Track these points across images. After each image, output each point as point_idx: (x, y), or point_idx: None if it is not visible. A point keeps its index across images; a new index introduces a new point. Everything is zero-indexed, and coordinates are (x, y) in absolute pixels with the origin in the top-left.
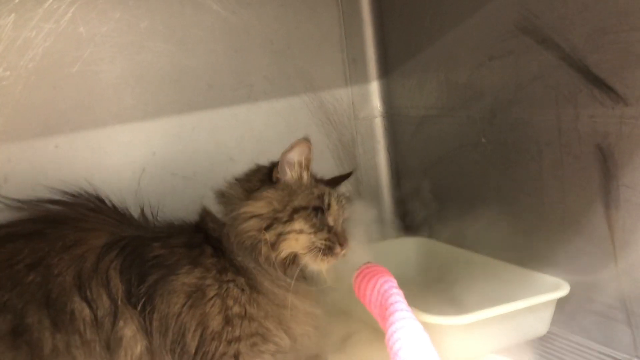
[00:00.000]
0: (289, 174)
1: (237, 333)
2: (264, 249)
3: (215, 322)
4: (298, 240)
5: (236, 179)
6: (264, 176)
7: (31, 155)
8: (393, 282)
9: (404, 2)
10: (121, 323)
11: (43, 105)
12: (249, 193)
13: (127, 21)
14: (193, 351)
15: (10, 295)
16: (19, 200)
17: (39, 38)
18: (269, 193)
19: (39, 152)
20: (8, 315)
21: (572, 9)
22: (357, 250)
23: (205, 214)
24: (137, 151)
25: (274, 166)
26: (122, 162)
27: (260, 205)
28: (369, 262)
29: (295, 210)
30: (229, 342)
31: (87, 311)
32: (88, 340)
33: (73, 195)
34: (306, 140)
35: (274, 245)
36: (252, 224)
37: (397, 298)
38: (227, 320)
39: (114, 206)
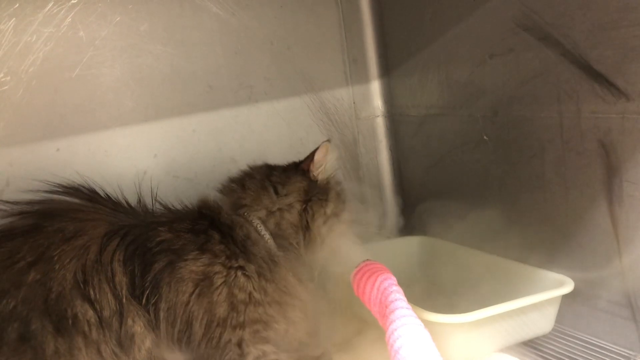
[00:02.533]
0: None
1: (241, 319)
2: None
3: (222, 309)
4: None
5: (284, 182)
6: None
7: (33, 159)
8: (393, 280)
9: (404, 1)
10: (130, 321)
11: (44, 109)
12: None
13: (127, 24)
14: (199, 338)
15: (16, 301)
16: (15, 203)
17: (39, 42)
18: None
19: (41, 156)
20: (15, 323)
21: (571, 6)
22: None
23: (216, 206)
24: (138, 154)
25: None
26: (123, 164)
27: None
28: (368, 260)
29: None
30: (234, 328)
31: (90, 313)
32: (94, 340)
33: (66, 188)
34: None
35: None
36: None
37: (398, 296)
38: (232, 307)
39: (108, 196)
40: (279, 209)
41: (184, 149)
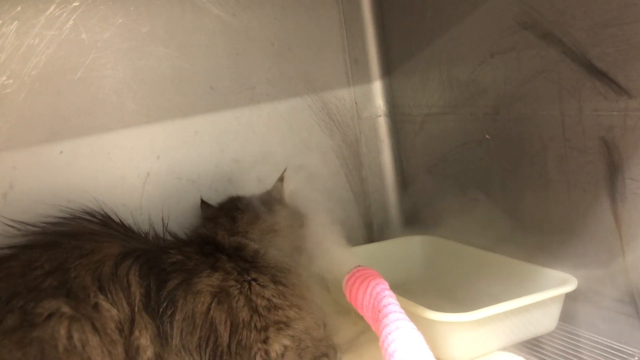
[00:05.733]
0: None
1: (264, 322)
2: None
3: (244, 314)
4: None
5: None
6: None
7: (36, 162)
8: (385, 285)
9: (405, 1)
10: (137, 332)
11: (47, 111)
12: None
13: (129, 26)
14: (227, 340)
15: (26, 301)
16: (27, 223)
17: (41, 45)
18: None
19: (44, 159)
20: (15, 314)
21: (572, 3)
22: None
23: (212, 233)
24: (141, 155)
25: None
26: (126, 166)
27: None
28: (359, 266)
29: None
30: (259, 330)
31: (114, 311)
32: (114, 340)
33: (82, 213)
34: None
35: None
36: None
37: (390, 300)
38: (254, 311)
39: (121, 223)
40: (272, 232)
41: (186, 150)
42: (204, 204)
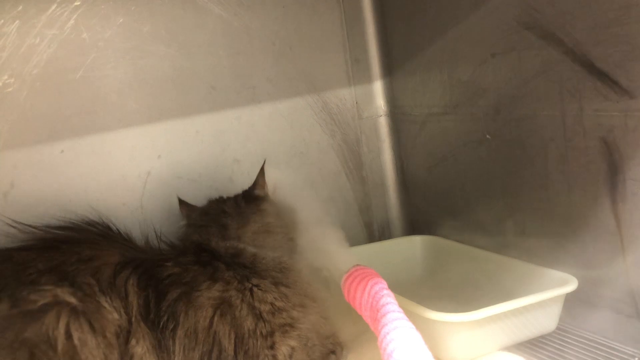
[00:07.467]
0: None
1: (269, 328)
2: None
3: (248, 322)
4: None
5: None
6: None
7: (37, 161)
8: (383, 284)
9: (406, 1)
10: (133, 341)
11: (48, 111)
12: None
13: (130, 26)
14: (232, 352)
15: (18, 290)
16: (29, 225)
17: (42, 45)
18: None
19: (45, 158)
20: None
21: (573, 3)
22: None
23: (206, 241)
24: (142, 155)
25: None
26: (127, 166)
27: None
28: (358, 265)
29: None
30: (265, 337)
31: (115, 315)
32: (111, 344)
33: (82, 223)
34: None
35: None
36: None
37: (389, 299)
38: (258, 318)
39: (119, 232)
40: (265, 232)
41: (187, 150)
42: (183, 204)
